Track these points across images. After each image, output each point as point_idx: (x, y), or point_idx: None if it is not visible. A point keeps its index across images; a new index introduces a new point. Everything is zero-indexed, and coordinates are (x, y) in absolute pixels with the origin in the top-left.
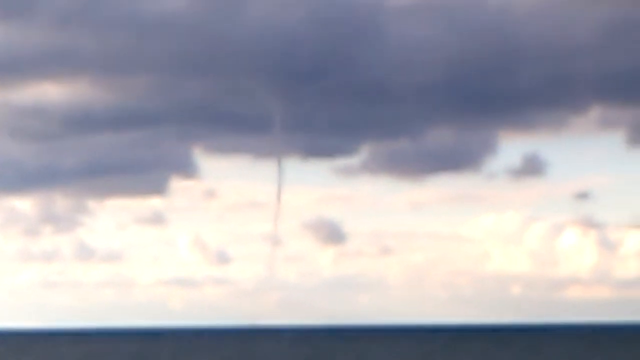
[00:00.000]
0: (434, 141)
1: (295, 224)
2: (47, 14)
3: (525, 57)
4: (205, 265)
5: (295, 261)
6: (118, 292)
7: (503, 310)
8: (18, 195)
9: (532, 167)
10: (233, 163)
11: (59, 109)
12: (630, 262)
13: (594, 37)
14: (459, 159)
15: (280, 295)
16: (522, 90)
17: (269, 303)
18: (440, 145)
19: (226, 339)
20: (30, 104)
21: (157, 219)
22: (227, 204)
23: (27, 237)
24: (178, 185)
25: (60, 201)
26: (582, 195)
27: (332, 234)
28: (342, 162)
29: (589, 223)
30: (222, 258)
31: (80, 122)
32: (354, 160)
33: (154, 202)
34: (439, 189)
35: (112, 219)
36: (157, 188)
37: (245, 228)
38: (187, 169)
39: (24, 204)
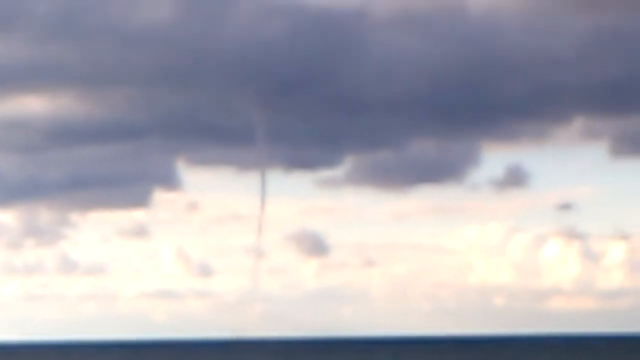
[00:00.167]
0: (417, 153)
1: (279, 236)
2: (30, 26)
3: (508, 68)
4: (188, 278)
5: (279, 273)
6: (101, 304)
7: (486, 321)
8: (1, 208)
9: (515, 178)
10: (216, 175)
11: (42, 122)
12: (613, 273)
13: (577, 48)
14: (441, 170)
15: (263, 307)
16: (504, 101)
17: (253, 315)
18: (423, 156)
19: (210, 352)
20: (13, 116)
21: (140, 232)
22: (210, 216)
23: (10, 250)
24: (161, 197)
25: (44, 214)
26: (565, 206)
27: (315, 245)
28: (325, 173)
29: (572, 234)
30: (206, 270)
31: (63, 134)
32: (337, 172)
33: (137, 215)
34: (422, 201)
35: (96, 232)
36: (141, 201)
37: (228, 240)
38: (170, 182)
39: (7, 217)
